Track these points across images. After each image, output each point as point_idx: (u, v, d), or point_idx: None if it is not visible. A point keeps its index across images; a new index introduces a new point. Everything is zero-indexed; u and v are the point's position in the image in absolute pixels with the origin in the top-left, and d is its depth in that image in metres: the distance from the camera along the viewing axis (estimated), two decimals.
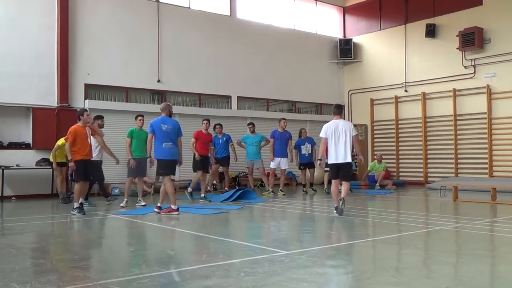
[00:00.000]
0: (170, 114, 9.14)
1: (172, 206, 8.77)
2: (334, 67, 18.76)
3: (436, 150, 16.07)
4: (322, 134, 8.86)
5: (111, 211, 9.38)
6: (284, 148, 12.92)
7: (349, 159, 8.63)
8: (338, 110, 9.17)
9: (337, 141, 8.67)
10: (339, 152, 8.60)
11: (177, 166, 9.22)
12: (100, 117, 10.65)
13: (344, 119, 9.23)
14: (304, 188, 13.38)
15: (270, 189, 12.76)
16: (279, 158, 12.80)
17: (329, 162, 8.78)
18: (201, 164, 11.53)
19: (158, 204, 8.98)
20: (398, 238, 6.52)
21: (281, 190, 12.84)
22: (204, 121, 11.93)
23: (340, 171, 8.64)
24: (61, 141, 10.48)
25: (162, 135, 8.84)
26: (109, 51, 13.71)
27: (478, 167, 15.02)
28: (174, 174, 9.22)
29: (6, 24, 12.28)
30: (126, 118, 12.87)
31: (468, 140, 15.32)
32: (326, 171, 13.30)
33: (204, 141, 11.77)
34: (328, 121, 13.88)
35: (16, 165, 11.89)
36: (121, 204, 9.90)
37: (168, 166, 8.90)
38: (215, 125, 12.92)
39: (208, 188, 13.16)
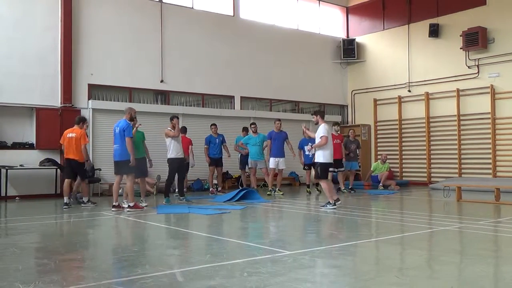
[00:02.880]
0: (131, 118, 9.63)
1: (113, 203, 9.45)
2: (337, 67, 18.74)
3: (440, 150, 16.03)
4: (326, 134, 9.43)
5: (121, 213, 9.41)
6: (281, 148, 12.90)
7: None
8: (324, 115, 9.97)
9: (331, 143, 9.65)
10: (332, 152, 9.67)
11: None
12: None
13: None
14: (308, 189, 13.36)
15: (271, 188, 12.74)
16: (278, 158, 12.81)
17: (327, 162, 9.51)
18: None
19: (130, 204, 9.40)
20: (401, 238, 6.51)
21: (279, 190, 12.83)
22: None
23: (328, 171, 9.75)
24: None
25: (114, 137, 9.52)
26: (113, 51, 13.74)
27: (482, 167, 14.98)
28: (120, 174, 9.61)
29: (10, 25, 12.32)
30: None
31: (471, 140, 15.28)
32: (329, 171, 13.30)
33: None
34: (331, 122, 14.10)
35: (20, 165, 11.93)
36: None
37: (116, 167, 9.59)
38: (211, 125, 13.15)
39: (211, 188, 13.19)
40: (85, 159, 10.25)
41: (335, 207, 9.38)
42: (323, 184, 9.66)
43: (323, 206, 9.58)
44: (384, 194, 13.20)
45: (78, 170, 10.31)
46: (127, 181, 9.48)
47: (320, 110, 10.08)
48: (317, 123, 9.77)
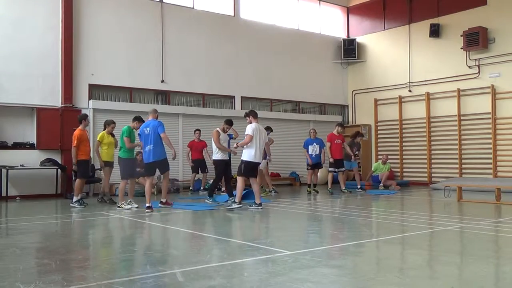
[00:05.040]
0: (156, 118, 9.64)
1: (147, 204, 9.24)
2: (338, 67, 18.74)
3: (440, 150, 16.02)
4: (251, 133, 9.46)
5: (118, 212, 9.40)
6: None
7: (262, 160, 9.85)
8: (256, 114, 9.95)
9: (260, 143, 9.55)
10: (261, 152, 9.59)
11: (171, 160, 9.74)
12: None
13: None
14: (308, 189, 13.36)
15: (267, 189, 12.82)
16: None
17: (250, 160, 9.47)
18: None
19: (163, 200, 9.51)
20: (402, 238, 6.51)
21: (269, 190, 12.81)
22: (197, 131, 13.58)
23: (255, 170, 9.67)
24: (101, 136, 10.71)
25: (144, 139, 9.38)
26: (113, 51, 13.74)
27: (483, 167, 14.97)
28: (153, 175, 9.66)
29: (11, 24, 12.33)
30: (130, 118, 12.74)
31: (472, 140, 15.27)
32: (330, 171, 13.33)
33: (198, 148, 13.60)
34: (332, 122, 14.01)
35: (21, 165, 11.93)
36: (127, 207, 9.85)
37: (148, 168, 9.49)
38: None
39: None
40: (73, 162, 10.21)
41: (240, 205, 9.45)
42: (238, 181, 9.60)
43: (229, 207, 9.54)
44: (385, 194, 13.19)
45: (76, 169, 10.44)
46: (164, 178, 9.53)
47: (251, 110, 10.05)
48: (250, 123, 9.80)
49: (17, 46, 12.35)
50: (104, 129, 10.80)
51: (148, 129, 9.35)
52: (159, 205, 9.62)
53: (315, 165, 13.25)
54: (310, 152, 13.22)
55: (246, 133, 9.53)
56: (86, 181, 10.80)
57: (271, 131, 13.62)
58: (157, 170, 9.82)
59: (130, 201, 9.98)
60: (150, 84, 14.45)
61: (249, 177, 9.62)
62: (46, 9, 12.81)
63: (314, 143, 13.24)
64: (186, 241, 6.66)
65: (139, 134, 9.58)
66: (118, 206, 9.75)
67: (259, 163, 9.75)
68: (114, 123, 10.84)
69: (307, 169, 13.41)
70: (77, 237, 7.07)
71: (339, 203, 11.21)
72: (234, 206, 9.46)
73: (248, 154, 9.48)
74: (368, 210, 9.95)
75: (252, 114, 9.80)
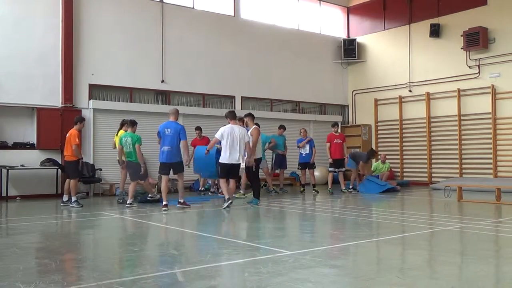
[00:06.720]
0: (176, 119, 9.85)
1: (164, 202, 9.37)
2: (338, 67, 18.73)
3: (441, 150, 16.02)
4: (216, 135, 9.74)
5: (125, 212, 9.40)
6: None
7: (240, 161, 9.76)
8: (232, 115, 10.00)
9: (233, 144, 9.61)
10: (235, 153, 9.62)
11: (186, 166, 9.89)
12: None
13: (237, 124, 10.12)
14: (302, 188, 13.44)
15: (271, 189, 12.98)
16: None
17: (221, 161, 9.74)
18: None
19: (180, 200, 9.68)
20: (402, 238, 6.51)
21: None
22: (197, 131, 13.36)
23: (234, 171, 9.78)
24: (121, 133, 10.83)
25: (163, 138, 9.55)
26: (113, 51, 13.74)
27: (483, 167, 14.97)
28: (167, 174, 9.73)
29: (11, 24, 12.32)
30: (130, 118, 12.85)
31: (472, 140, 15.27)
32: (330, 171, 13.34)
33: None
34: (332, 122, 14.07)
35: (21, 165, 11.93)
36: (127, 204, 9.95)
37: (164, 168, 9.65)
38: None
39: (212, 189, 13.21)
40: (78, 157, 10.29)
41: (230, 201, 9.54)
42: (220, 182, 10.11)
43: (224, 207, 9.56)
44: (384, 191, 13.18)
45: (67, 168, 10.52)
46: (179, 179, 9.75)
47: (229, 111, 10.23)
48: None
49: (17, 46, 12.34)
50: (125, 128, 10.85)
51: (169, 130, 9.48)
52: (177, 205, 9.63)
53: (305, 164, 13.30)
54: (300, 152, 13.34)
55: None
56: (81, 180, 11.06)
57: (284, 129, 13.68)
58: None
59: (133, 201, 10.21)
60: (150, 84, 14.45)
61: (229, 178, 9.83)
62: (46, 9, 12.80)
63: (303, 141, 13.36)
64: (187, 241, 6.67)
65: (158, 133, 9.64)
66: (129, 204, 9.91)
67: (235, 164, 9.71)
68: (136, 123, 10.77)
69: (298, 168, 13.55)
70: (77, 237, 7.07)
71: (339, 203, 11.21)
72: (226, 204, 9.47)
73: (221, 156, 9.77)
74: (368, 210, 9.94)
75: (229, 116, 9.99)
